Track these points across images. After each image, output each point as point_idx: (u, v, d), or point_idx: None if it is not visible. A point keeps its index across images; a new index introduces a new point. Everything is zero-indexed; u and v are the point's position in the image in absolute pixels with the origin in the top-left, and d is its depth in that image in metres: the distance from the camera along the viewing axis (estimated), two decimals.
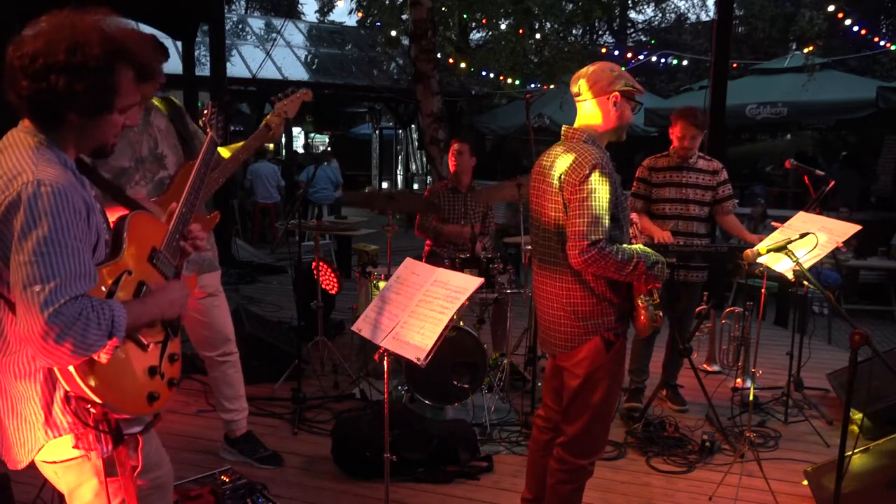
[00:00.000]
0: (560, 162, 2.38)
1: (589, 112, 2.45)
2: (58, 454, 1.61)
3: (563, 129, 2.51)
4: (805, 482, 3.16)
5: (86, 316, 1.40)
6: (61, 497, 1.80)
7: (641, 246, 2.42)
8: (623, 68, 2.48)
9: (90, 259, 1.49)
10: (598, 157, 2.32)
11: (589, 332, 2.41)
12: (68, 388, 1.51)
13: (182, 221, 1.79)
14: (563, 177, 2.35)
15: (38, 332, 1.37)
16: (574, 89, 2.47)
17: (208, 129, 2.03)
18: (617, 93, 2.39)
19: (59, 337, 1.37)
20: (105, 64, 1.47)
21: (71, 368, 1.46)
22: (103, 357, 1.48)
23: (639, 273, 2.31)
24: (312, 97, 3.19)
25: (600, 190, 2.28)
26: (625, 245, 2.37)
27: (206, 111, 2.05)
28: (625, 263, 2.28)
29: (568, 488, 2.53)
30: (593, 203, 2.27)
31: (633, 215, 2.65)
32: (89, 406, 1.52)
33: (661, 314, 2.43)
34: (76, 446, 1.58)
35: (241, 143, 3.05)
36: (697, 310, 4.71)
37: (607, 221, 2.29)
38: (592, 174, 2.28)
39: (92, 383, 1.48)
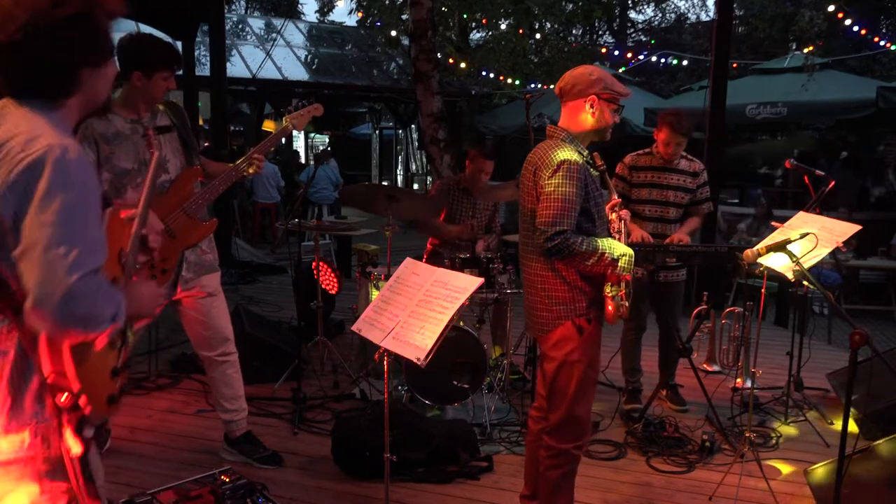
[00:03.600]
0: (537, 157, 2.53)
1: (569, 113, 2.59)
2: (2, 453, 1.45)
3: (547, 127, 2.64)
4: (805, 482, 3.16)
5: (104, 291, 1.36)
6: None
7: (611, 240, 2.52)
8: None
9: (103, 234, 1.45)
10: (568, 155, 2.45)
11: (561, 317, 2.52)
12: (50, 370, 1.41)
13: (142, 224, 1.74)
14: (536, 171, 2.50)
15: (58, 295, 1.29)
16: (557, 91, 2.61)
17: (153, 152, 2.05)
18: (593, 96, 2.51)
19: (80, 305, 1.31)
20: (90, 8, 1.42)
21: (65, 347, 1.40)
22: (100, 342, 1.43)
23: (604, 265, 2.42)
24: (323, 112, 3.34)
25: (567, 184, 2.41)
26: (594, 237, 2.46)
27: (152, 140, 2.34)
28: (589, 254, 2.39)
29: (556, 473, 2.60)
30: (560, 196, 2.40)
31: (625, 212, 2.71)
32: (63, 396, 1.43)
33: (627, 305, 2.53)
34: (30, 445, 1.45)
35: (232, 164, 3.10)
36: (697, 310, 4.72)
37: (574, 214, 2.41)
38: (560, 169, 2.41)
39: (77, 367, 1.41)
